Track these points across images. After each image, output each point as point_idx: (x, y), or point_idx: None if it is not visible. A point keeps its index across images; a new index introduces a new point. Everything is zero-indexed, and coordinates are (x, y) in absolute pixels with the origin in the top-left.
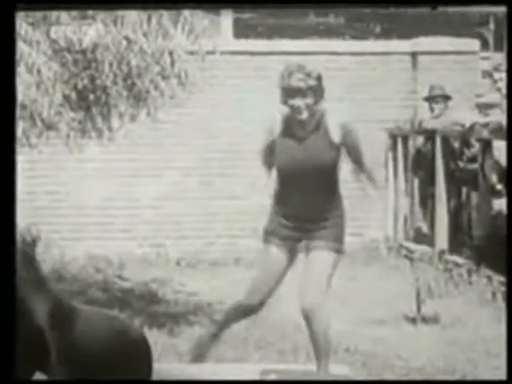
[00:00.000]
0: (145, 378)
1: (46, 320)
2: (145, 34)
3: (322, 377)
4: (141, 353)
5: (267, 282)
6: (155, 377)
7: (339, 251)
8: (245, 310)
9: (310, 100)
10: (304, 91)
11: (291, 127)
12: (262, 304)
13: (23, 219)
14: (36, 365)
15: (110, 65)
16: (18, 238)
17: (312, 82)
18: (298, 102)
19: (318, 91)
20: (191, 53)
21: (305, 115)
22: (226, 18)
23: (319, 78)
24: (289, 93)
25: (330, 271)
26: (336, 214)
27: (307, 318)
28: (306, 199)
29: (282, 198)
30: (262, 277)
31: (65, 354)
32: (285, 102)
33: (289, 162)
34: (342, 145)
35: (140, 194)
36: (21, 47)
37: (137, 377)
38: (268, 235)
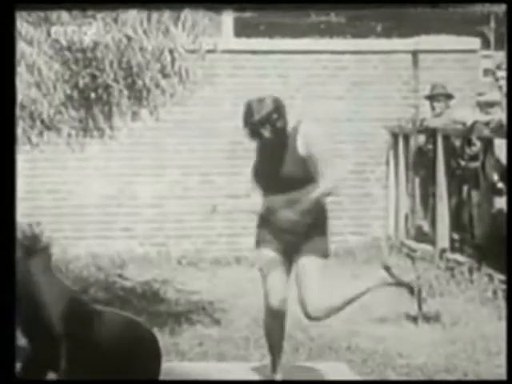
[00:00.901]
0: (153, 377)
1: (60, 321)
2: (145, 32)
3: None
4: (151, 353)
5: (280, 283)
6: None
7: (325, 256)
8: (272, 316)
9: (272, 128)
10: (265, 125)
11: (266, 149)
12: (285, 305)
13: (24, 218)
14: (48, 365)
15: (111, 63)
16: (31, 241)
17: (271, 116)
18: (266, 133)
19: (278, 117)
20: (192, 51)
21: (270, 135)
22: (227, 17)
23: (277, 104)
24: (254, 127)
25: (320, 275)
26: (317, 219)
27: (326, 317)
28: (282, 207)
29: (263, 207)
30: (274, 279)
31: (78, 354)
32: (253, 137)
33: (260, 172)
34: (310, 156)
35: (141, 193)
36: (21, 47)
37: (146, 377)
38: (260, 240)
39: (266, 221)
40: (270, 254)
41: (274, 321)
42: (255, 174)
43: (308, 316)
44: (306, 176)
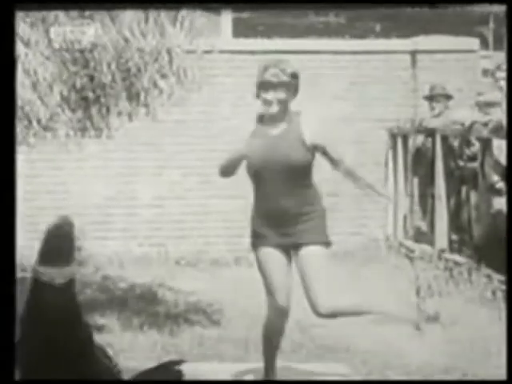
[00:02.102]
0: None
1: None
2: (142, 33)
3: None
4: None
5: (284, 280)
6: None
7: (327, 244)
8: (280, 316)
9: (281, 95)
10: (276, 85)
11: (263, 125)
12: (289, 303)
13: (23, 218)
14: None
15: (109, 64)
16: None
17: (285, 78)
18: (270, 95)
19: (291, 87)
20: (189, 52)
21: (275, 109)
22: (226, 17)
23: (294, 75)
24: (262, 86)
25: (326, 266)
26: (315, 209)
27: (331, 317)
28: (282, 197)
29: (258, 199)
30: (277, 277)
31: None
32: (258, 96)
33: (257, 159)
34: (314, 147)
35: (140, 193)
36: (18, 48)
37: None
38: (256, 239)
39: (261, 217)
40: (271, 251)
41: (281, 320)
42: (253, 162)
43: (318, 313)
44: (310, 166)
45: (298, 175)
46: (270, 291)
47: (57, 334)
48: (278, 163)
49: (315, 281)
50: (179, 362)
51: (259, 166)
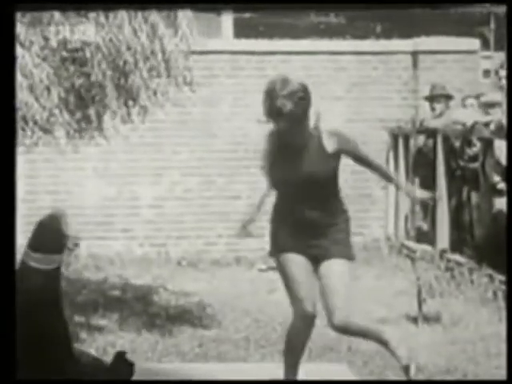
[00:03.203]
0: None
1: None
2: (139, 34)
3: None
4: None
5: (310, 287)
6: (156, 377)
7: (350, 258)
8: (307, 323)
9: (294, 116)
10: (286, 114)
11: (281, 135)
12: (316, 310)
13: (23, 219)
14: None
15: (105, 64)
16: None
17: (295, 108)
18: (283, 121)
19: (303, 106)
20: (188, 52)
21: (292, 131)
22: (227, 18)
23: (303, 96)
24: (272, 113)
25: (347, 280)
26: (340, 221)
27: (344, 332)
28: (306, 210)
29: (282, 209)
30: (303, 284)
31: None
32: (271, 121)
33: (282, 173)
34: (339, 152)
35: (141, 194)
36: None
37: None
38: (278, 246)
39: (287, 224)
40: (296, 258)
41: (307, 327)
42: (276, 175)
43: (332, 325)
44: (334, 174)
45: (322, 186)
46: (296, 297)
47: (37, 318)
48: (301, 176)
49: (335, 293)
50: (124, 353)
51: (282, 179)
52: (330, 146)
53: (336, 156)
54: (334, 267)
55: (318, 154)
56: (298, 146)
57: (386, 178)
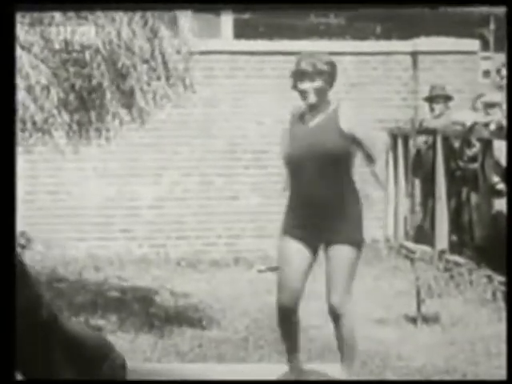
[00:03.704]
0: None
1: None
2: (138, 35)
3: (345, 377)
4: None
5: (294, 279)
6: (155, 377)
7: (359, 245)
8: (281, 312)
9: (318, 84)
10: (312, 75)
11: (301, 115)
12: (295, 303)
13: (23, 219)
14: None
15: (105, 65)
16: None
17: (321, 66)
18: (306, 85)
19: (327, 76)
20: (187, 53)
21: (312, 99)
22: (226, 18)
23: (330, 64)
24: (297, 76)
25: (353, 268)
26: (352, 204)
27: (335, 317)
28: (318, 188)
29: (294, 189)
30: (288, 274)
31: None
32: (294, 87)
33: (296, 149)
34: (352, 138)
35: (140, 195)
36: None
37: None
38: (286, 231)
39: (298, 204)
40: (291, 244)
41: (284, 318)
42: (290, 152)
43: (328, 305)
44: (347, 155)
45: (335, 166)
46: (279, 285)
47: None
48: (315, 153)
49: (334, 277)
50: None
51: (296, 156)
52: (346, 127)
53: (351, 139)
54: (338, 252)
55: (333, 133)
56: (316, 123)
57: (378, 181)
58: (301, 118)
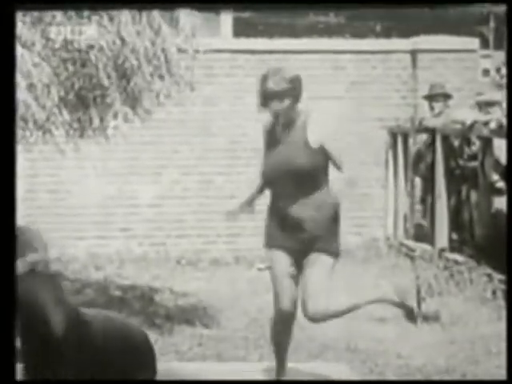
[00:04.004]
0: (150, 377)
1: (61, 328)
2: (139, 34)
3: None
4: (145, 354)
5: (287, 283)
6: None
7: (333, 253)
8: (283, 319)
9: (286, 103)
10: (280, 95)
11: (272, 131)
12: (295, 307)
13: (23, 218)
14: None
15: (106, 64)
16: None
17: (286, 85)
18: (276, 106)
19: (294, 92)
20: (187, 52)
21: (283, 119)
22: (226, 17)
23: (296, 79)
24: (265, 96)
25: (329, 276)
26: (327, 215)
27: (318, 321)
28: (292, 203)
29: (273, 203)
30: (281, 281)
31: (75, 358)
32: (263, 106)
33: (269, 167)
34: (320, 150)
35: (140, 193)
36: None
37: (143, 375)
38: (268, 243)
39: (275, 218)
40: (280, 255)
41: (285, 324)
42: (264, 169)
43: (306, 315)
44: (317, 169)
45: (306, 180)
46: (275, 293)
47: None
48: (284, 169)
49: (313, 290)
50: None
51: (270, 173)
52: (314, 142)
53: (320, 152)
54: (313, 262)
55: (302, 148)
56: (285, 139)
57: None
58: (272, 133)
